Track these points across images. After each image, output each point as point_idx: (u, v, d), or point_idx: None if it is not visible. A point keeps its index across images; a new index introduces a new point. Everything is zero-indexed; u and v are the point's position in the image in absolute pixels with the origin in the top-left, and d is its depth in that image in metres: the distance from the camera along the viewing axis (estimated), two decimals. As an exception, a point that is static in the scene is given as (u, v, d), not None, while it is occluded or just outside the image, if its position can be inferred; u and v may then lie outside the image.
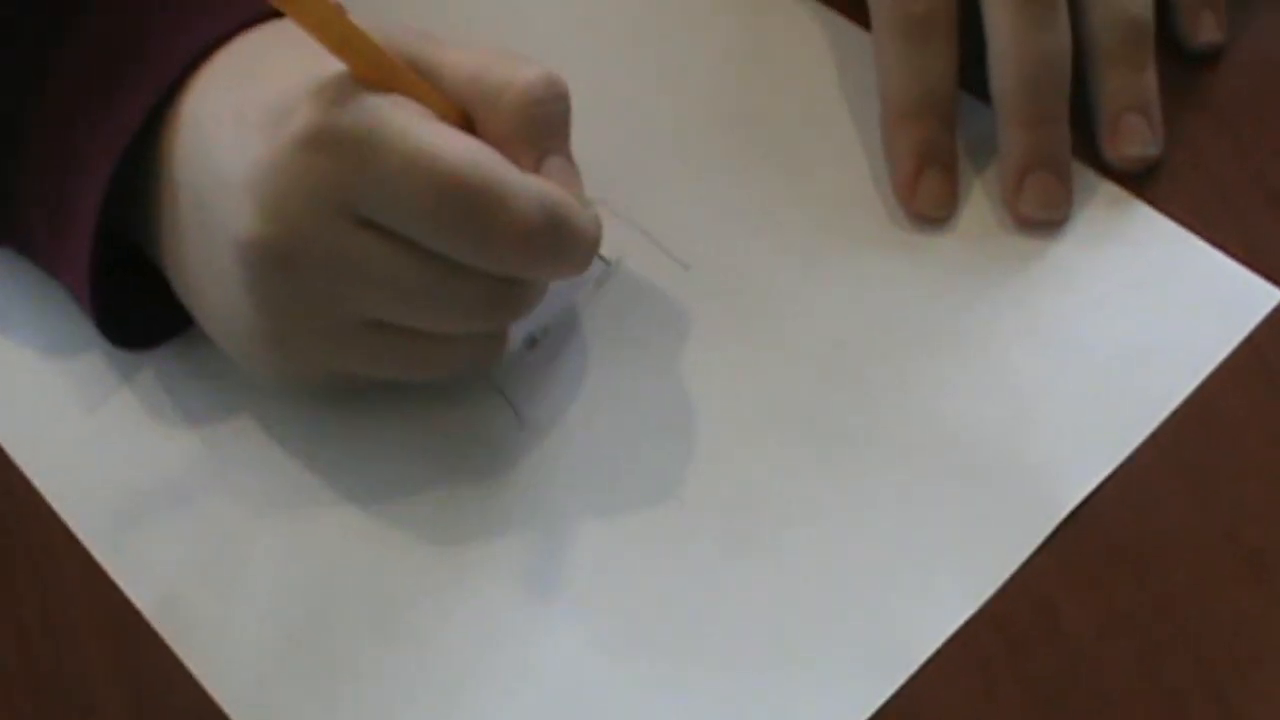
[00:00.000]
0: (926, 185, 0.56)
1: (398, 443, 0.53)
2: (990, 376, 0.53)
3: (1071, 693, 0.48)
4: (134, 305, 0.54)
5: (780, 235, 0.56)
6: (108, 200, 0.51)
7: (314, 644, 0.50)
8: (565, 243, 0.49)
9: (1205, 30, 0.58)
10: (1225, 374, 0.52)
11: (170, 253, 0.52)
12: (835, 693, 0.48)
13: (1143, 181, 0.56)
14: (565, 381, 0.54)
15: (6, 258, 0.57)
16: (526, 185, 0.48)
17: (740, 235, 0.56)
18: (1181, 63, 0.58)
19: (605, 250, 0.52)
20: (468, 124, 0.50)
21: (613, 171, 0.55)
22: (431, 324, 0.50)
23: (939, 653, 0.48)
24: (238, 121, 0.49)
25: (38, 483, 0.54)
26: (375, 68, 0.48)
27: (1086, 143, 0.56)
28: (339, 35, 0.47)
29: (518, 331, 0.54)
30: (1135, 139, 0.56)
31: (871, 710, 0.48)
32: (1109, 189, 0.56)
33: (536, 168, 0.50)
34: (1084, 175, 0.56)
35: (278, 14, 0.49)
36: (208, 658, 0.50)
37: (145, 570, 0.52)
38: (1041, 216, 0.55)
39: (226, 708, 0.49)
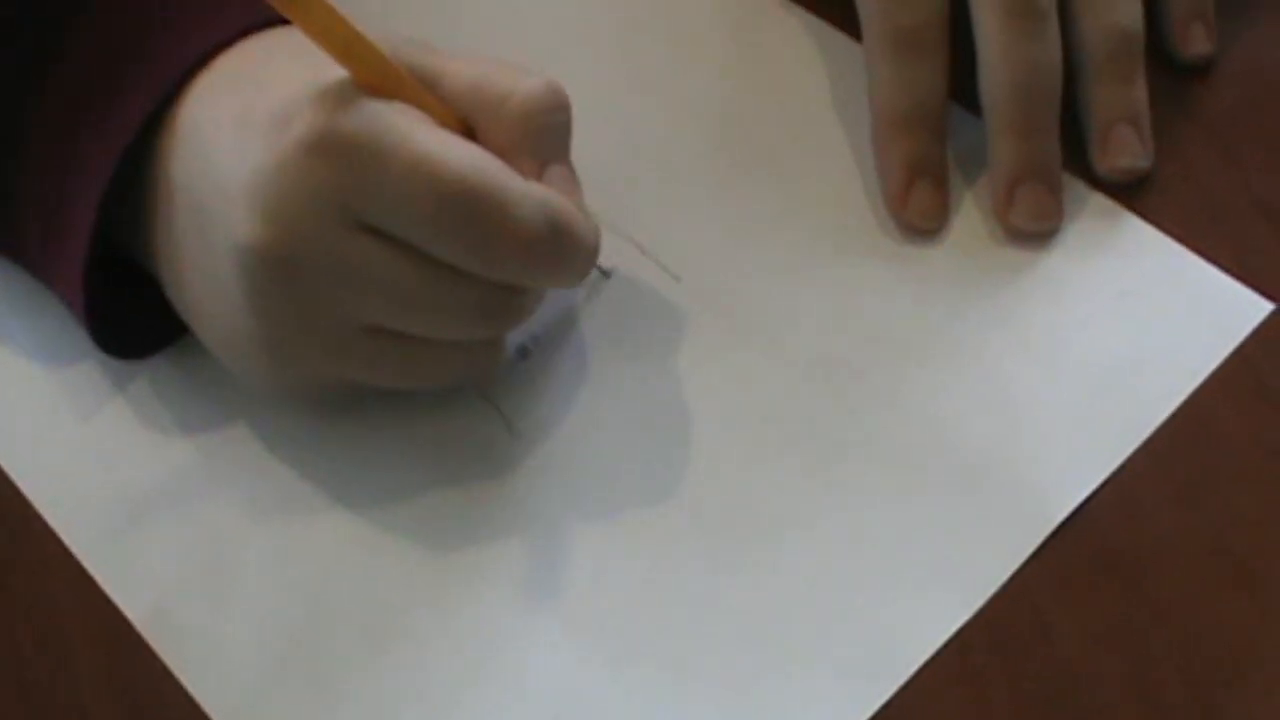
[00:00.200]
0: (917, 197, 0.56)
1: (390, 452, 0.54)
2: (981, 387, 0.53)
3: (1062, 703, 0.48)
4: (128, 314, 0.54)
5: (771, 246, 0.56)
6: (104, 205, 0.51)
7: (306, 654, 0.50)
8: (566, 251, 0.49)
9: (1195, 42, 0.59)
10: (1215, 385, 0.52)
11: (166, 259, 0.52)
12: (827, 702, 0.48)
13: (1133, 193, 0.56)
14: (556, 391, 0.54)
15: (1, 266, 0.57)
16: (528, 193, 0.48)
17: (731, 247, 0.57)
18: (1172, 74, 0.58)
19: (602, 260, 0.52)
20: (469, 133, 0.50)
21: (604, 183, 0.55)
22: (430, 330, 0.50)
23: (930, 662, 0.48)
24: (239, 127, 0.49)
25: (30, 492, 0.54)
26: (378, 75, 0.48)
27: (1076, 154, 0.56)
28: (343, 42, 0.47)
29: (510, 342, 0.54)
30: (1125, 151, 0.56)
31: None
32: (1099, 201, 0.56)
33: (538, 177, 0.50)
34: (1074, 187, 0.56)
35: (279, 20, 0.49)
36: (199, 668, 0.50)
37: (137, 580, 0.52)
38: (1032, 228, 0.55)
39: (218, 719, 0.49)
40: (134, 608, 0.51)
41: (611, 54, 0.62)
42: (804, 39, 0.61)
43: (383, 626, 0.51)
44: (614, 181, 0.58)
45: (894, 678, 0.48)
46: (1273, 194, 0.56)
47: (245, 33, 0.52)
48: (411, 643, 0.50)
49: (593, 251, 0.50)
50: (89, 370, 0.56)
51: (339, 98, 0.47)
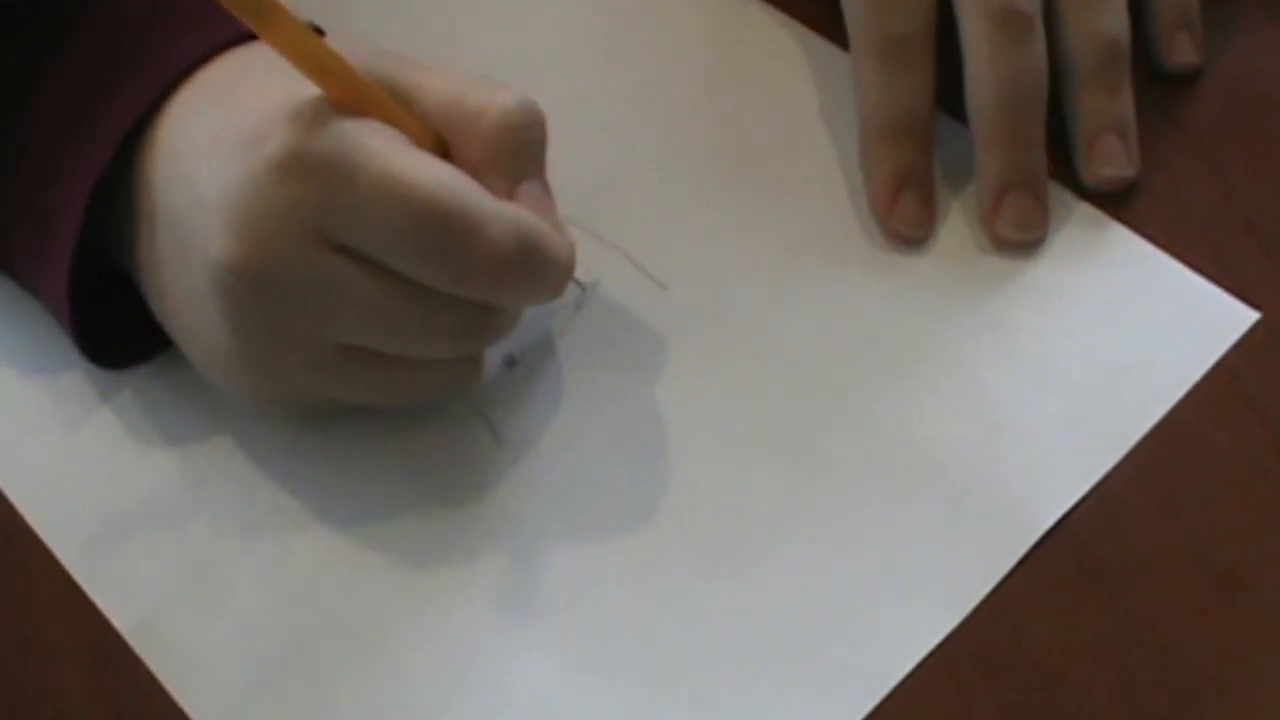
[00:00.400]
0: (904, 206, 0.56)
1: (376, 463, 0.54)
2: (966, 396, 0.53)
3: (1046, 713, 0.48)
4: (114, 324, 0.54)
5: (758, 255, 0.57)
6: (87, 219, 0.51)
7: (293, 665, 0.50)
8: (538, 270, 0.49)
9: (1182, 51, 0.58)
10: (1200, 395, 0.52)
11: (148, 273, 0.52)
12: (810, 713, 0.48)
13: (1119, 202, 0.56)
14: (544, 401, 0.54)
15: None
16: (500, 212, 0.48)
17: (718, 256, 0.57)
18: (1158, 84, 0.58)
19: (582, 273, 0.52)
20: (443, 149, 0.50)
21: (591, 192, 0.55)
22: (405, 349, 0.50)
23: (913, 674, 0.48)
24: (215, 142, 0.49)
25: (16, 502, 0.54)
26: (350, 92, 0.48)
27: (1062, 163, 0.56)
28: (314, 59, 0.47)
29: (496, 352, 0.54)
30: (1111, 160, 0.56)
31: (847, 731, 0.48)
32: (1085, 210, 0.56)
33: (511, 194, 0.49)
34: (1060, 196, 0.56)
35: (254, 36, 0.49)
36: (187, 679, 0.50)
37: (124, 591, 0.52)
38: (1018, 237, 0.55)
39: (204, 729, 0.50)
40: (122, 618, 0.52)
41: (599, 63, 0.62)
42: (792, 48, 0.61)
43: (369, 638, 0.51)
44: (601, 191, 0.58)
45: (878, 688, 0.48)
46: (1258, 203, 0.56)
47: (222, 49, 0.52)
48: (398, 654, 0.50)
49: (566, 269, 0.50)
50: (76, 380, 0.56)
51: (312, 116, 0.47)
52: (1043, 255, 0.56)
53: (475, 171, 0.49)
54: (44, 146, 0.52)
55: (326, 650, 0.51)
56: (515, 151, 0.50)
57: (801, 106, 0.60)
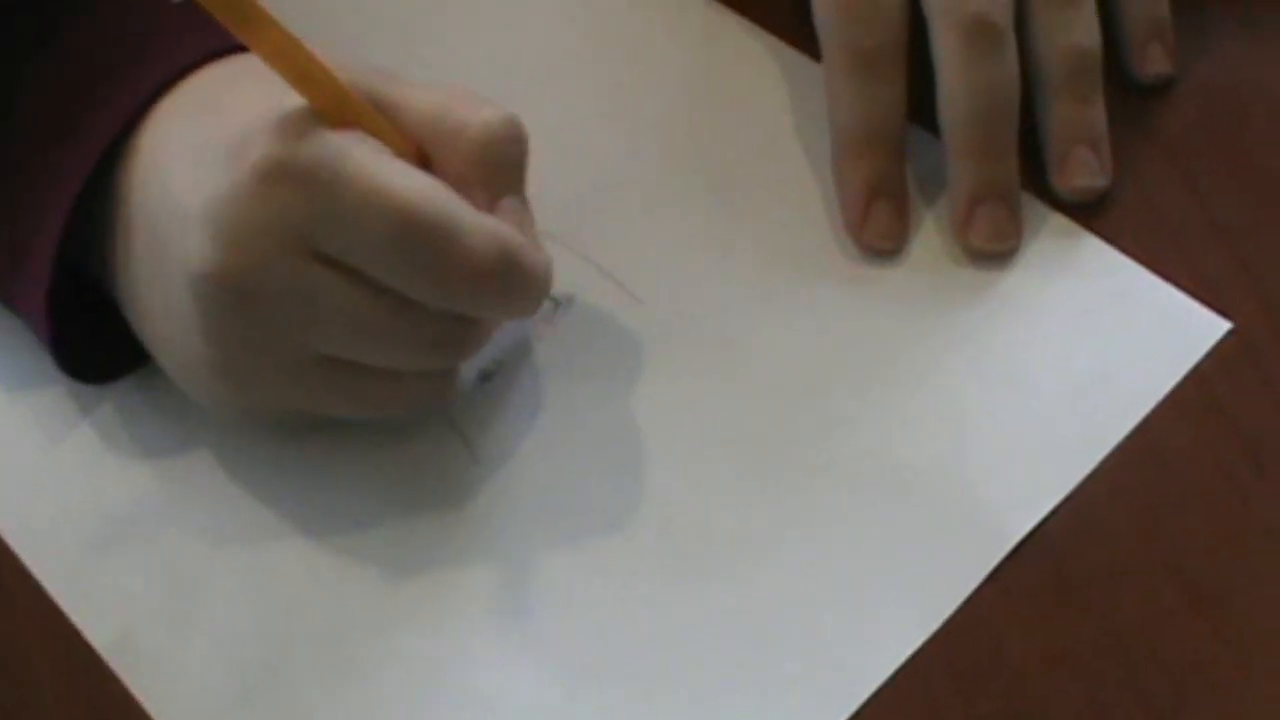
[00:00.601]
0: (876, 217, 0.56)
1: (354, 477, 0.54)
2: (939, 407, 0.53)
3: (1018, 725, 0.48)
4: (92, 338, 0.54)
5: (732, 268, 0.57)
6: (66, 232, 0.51)
7: (271, 680, 0.50)
8: (516, 282, 0.49)
9: (1154, 61, 0.59)
10: (1172, 405, 0.52)
11: (125, 285, 0.52)
12: (784, 725, 0.48)
13: (1092, 213, 0.56)
14: (519, 415, 0.54)
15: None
16: (480, 224, 0.48)
17: (693, 269, 0.57)
18: (1131, 94, 0.59)
19: (556, 289, 0.52)
20: (425, 162, 0.50)
21: (566, 205, 0.55)
22: (383, 360, 0.50)
23: (886, 686, 0.48)
24: (196, 154, 0.49)
25: (-7, 517, 0.54)
26: (334, 102, 0.48)
27: (1035, 174, 0.56)
28: (299, 68, 0.47)
29: (471, 366, 0.54)
30: (1084, 171, 0.56)
31: (820, 743, 0.48)
32: (1058, 221, 0.56)
33: (491, 208, 0.50)
34: (1033, 207, 0.56)
35: (241, 47, 0.49)
36: (164, 694, 0.50)
37: (102, 606, 0.52)
38: (991, 248, 0.56)
39: (181, 744, 0.50)
40: (98, 634, 0.52)
41: (573, 77, 0.62)
42: (765, 60, 0.61)
43: (348, 651, 0.51)
44: (576, 204, 0.58)
45: (851, 699, 0.48)
46: (1231, 214, 0.56)
47: (207, 59, 0.52)
48: (377, 668, 0.50)
49: (544, 283, 0.50)
50: (54, 395, 0.56)
51: (295, 126, 0.47)
52: (1015, 266, 0.56)
53: (456, 185, 0.49)
54: (24, 159, 0.52)
55: (304, 663, 0.51)
56: (497, 166, 0.50)
57: (776, 119, 0.60)
